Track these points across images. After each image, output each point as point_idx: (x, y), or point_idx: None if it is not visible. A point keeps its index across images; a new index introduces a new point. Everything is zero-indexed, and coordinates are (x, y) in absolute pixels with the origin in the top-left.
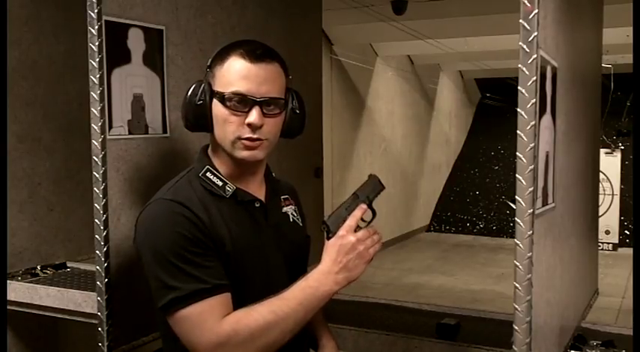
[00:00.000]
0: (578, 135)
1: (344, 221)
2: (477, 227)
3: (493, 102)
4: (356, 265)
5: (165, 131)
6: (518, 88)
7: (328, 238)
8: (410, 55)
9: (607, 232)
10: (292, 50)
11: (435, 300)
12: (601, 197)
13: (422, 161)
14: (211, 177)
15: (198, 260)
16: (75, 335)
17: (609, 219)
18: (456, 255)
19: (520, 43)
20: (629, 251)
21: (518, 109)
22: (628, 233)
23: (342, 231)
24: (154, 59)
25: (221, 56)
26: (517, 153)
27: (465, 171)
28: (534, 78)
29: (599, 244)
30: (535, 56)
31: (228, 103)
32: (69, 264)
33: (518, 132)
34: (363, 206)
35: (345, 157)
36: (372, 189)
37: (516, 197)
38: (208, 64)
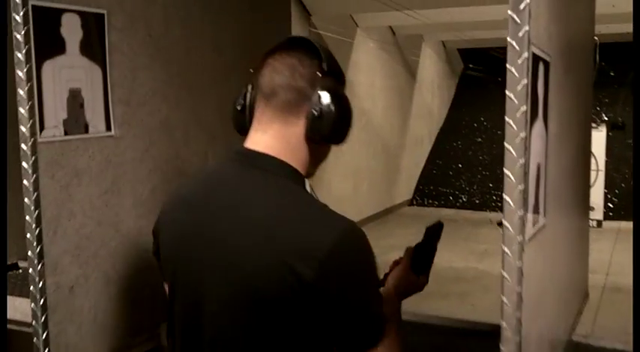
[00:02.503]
0: (570, 129)
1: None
2: (460, 200)
3: (476, 73)
4: None
5: (109, 128)
6: (506, 92)
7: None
8: (391, 26)
9: (591, 208)
10: (256, 29)
11: None
12: None
13: (404, 134)
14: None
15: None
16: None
17: (594, 195)
18: None
19: (508, 39)
20: (613, 224)
21: (506, 118)
22: (612, 206)
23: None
24: (93, 48)
25: (342, 74)
26: (505, 170)
27: (447, 143)
28: (525, 81)
29: None
30: (526, 55)
31: None
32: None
33: (505, 144)
34: None
35: None
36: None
37: (503, 221)
38: (337, 75)
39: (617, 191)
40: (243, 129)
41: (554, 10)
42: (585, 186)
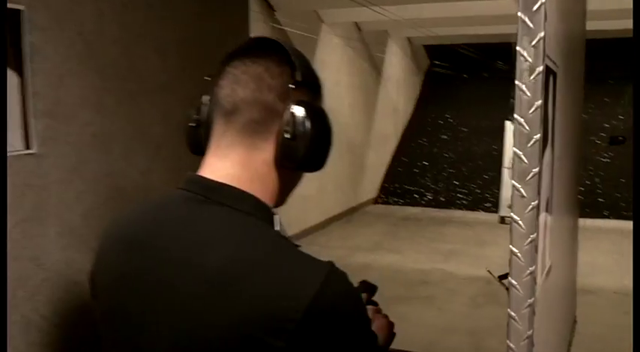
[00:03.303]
0: (569, 142)
1: None
2: (425, 198)
3: (442, 69)
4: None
5: (28, 146)
6: (515, 117)
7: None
8: (357, 22)
9: None
10: (209, 29)
11: (384, 283)
12: None
13: (369, 132)
14: None
15: None
16: None
17: None
18: (404, 230)
19: (518, 48)
20: (583, 221)
21: (515, 149)
22: (588, 210)
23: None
24: (7, 51)
25: (319, 83)
26: (513, 215)
27: (413, 140)
28: (538, 102)
29: None
30: (540, 68)
31: None
32: None
33: (514, 183)
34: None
35: None
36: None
37: (510, 279)
38: (313, 85)
39: (582, 188)
40: (199, 150)
41: (561, 6)
42: (576, 194)
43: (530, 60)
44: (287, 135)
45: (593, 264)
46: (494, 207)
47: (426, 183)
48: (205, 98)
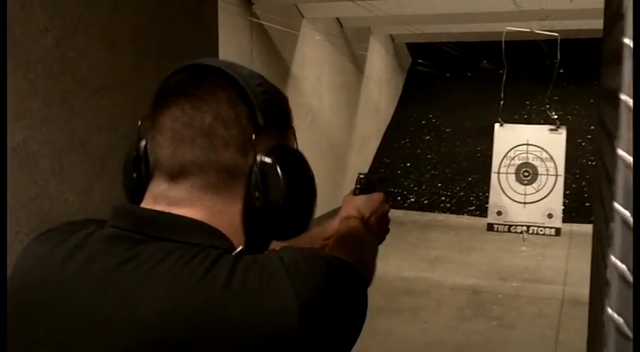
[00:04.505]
0: None
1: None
2: (408, 201)
3: (424, 68)
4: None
5: None
6: (619, 152)
7: (355, 193)
8: (339, 18)
9: (549, 216)
10: (169, 17)
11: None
12: (544, 177)
13: (351, 132)
14: None
15: None
16: None
17: (552, 201)
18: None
19: (626, 40)
20: (565, 227)
21: (619, 207)
22: (563, 208)
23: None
24: None
25: (286, 112)
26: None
27: (395, 141)
28: None
29: (541, 229)
30: None
31: None
32: None
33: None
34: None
35: None
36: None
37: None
38: (280, 121)
39: (567, 192)
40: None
41: None
42: None
43: None
44: (257, 202)
45: (581, 272)
46: (479, 211)
47: (408, 186)
48: (141, 144)
